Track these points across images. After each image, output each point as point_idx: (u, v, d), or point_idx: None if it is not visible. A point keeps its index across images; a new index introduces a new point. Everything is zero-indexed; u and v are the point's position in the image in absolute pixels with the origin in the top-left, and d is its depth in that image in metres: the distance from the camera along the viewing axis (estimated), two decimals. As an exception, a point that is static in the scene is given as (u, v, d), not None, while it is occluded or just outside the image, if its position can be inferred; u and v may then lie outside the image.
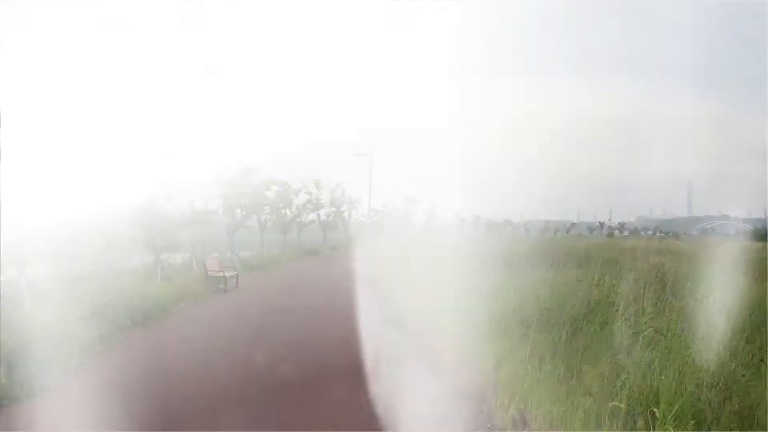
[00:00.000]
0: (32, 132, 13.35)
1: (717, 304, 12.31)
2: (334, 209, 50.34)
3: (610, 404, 6.41)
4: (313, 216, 47.03)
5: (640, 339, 8.82)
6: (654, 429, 6.13)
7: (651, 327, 9.35)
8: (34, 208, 11.31)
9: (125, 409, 7.65)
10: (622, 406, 6.37)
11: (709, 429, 6.32)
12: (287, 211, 38.72)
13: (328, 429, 7.20)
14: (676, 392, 6.72)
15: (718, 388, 6.86)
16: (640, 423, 6.32)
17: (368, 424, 7.15)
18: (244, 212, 27.29)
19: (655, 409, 6.20)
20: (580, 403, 6.67)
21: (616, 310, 11.06)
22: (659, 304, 11.87)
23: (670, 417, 6.11)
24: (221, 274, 20.52)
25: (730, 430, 6.27)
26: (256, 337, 12.56)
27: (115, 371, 9.56)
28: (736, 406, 6.48)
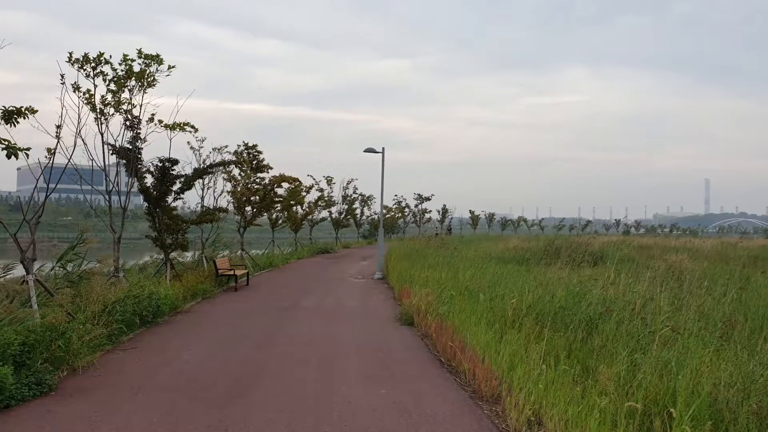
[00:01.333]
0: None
1: (734, 303, 12.22)
2: (346, 206, 50.31)
3: (627, 404, 6.32)
4: (325, 213, 47.02)
5: (657, 338, 8.70)
6: (671, 429, 6.04)
7: (668, 326, 9.25)
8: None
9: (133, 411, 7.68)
10: (639, 406, 6.28)
11: (727, 430, 6.21)
12: (299, 208, 38.57)
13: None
14: (693, 392, 6.61)
15: (735, 387, 6.73)
16: (657, 423, 6.23)
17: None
18: (254, 209, 27.16)
19: (671, 410, 6.10)
20: (596, 403, 6.57)
21: (633, 309, 10.97)
22: (676, 302, 11.79)
23: (687, 417, 5.99)
24: (231, 273, 20.51)
25: (749, 430, 6.16)
26: (270, 336, 12.56)
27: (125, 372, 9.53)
28: (755, 406, 6.36)
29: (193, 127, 16.87)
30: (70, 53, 13.32)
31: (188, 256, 22.44)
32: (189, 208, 24.21)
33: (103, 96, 14.12)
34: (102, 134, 14.35)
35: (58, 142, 11.45)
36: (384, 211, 44.47)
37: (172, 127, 16.26)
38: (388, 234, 63.05)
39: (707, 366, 7.46)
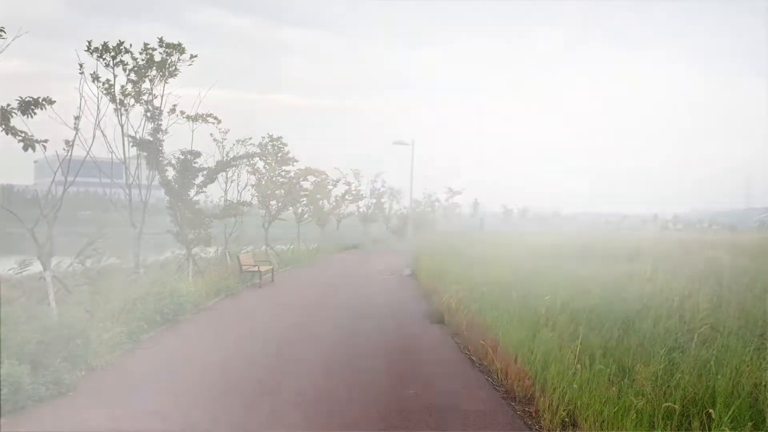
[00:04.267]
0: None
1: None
2: (374, 200, 49.96)
3: (664, 405, 6.21)
4: (352, 207, 46.72)
5: (696, 336, 8.52)
6: (710, 431, 5.92)
7: (707, 324, 9.10)
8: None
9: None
10: (677, 407, 6.16)
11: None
12: (325, 202, 38.23)
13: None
14: (732, 393, 6.51)
15: (776, 388, 6.56)
16: (695, 424, 6.09)
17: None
18: (279, 203, 26.94)
19: (711, 410, 6.00)
20: (633, 403, 6.40)
21: (670, 306, 10.73)
22: (715, 299, 11.54)
23: (726, 418, 5.89)
24: (256, 269, 20.19)
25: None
26: (294, 333, 12.37)
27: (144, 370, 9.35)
28: (795, 406, 6.19)
29: (215, 118, 16.76)
30: (89, 42, 13.25)
31: (211, 251, 22.27)
32: (212, 202, 24.09)
33: (123, 86, 14.05)
34: (122, 126, 14.31)
35: (77, 133, 11.35)
36: (413, 205, 44.06)
37: (195, 118, 16.14)
38: (418, 229, 62.61)
39: (747, 366, 7.34)
